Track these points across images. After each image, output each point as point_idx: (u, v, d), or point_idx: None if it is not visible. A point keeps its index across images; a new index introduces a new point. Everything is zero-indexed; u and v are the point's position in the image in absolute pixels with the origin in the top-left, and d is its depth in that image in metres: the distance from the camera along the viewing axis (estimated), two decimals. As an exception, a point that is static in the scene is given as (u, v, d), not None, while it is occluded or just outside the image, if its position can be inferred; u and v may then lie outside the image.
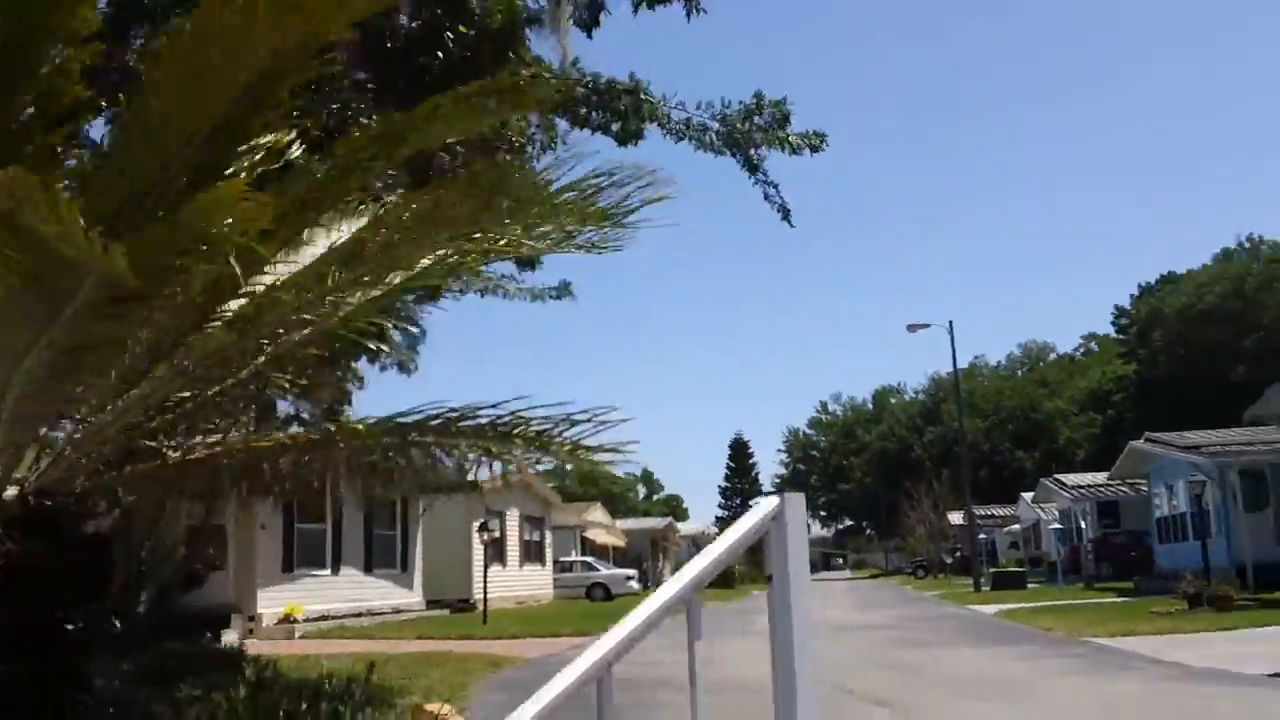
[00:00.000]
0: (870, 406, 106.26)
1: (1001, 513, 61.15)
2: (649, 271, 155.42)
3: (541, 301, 12.33)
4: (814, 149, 8.96)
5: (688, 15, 6.31)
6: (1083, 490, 39.61)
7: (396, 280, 4.86)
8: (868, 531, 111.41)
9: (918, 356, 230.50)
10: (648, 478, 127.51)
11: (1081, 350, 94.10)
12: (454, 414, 4.73)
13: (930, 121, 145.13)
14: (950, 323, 39.84)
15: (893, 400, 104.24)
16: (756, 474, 75.69)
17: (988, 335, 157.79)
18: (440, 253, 4.63)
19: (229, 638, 18.90)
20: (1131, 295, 77.06)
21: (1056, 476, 43.50)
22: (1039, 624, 18.14)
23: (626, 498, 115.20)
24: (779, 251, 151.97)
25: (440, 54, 6.95)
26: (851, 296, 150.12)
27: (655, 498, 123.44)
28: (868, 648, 15.83)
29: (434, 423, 4.77)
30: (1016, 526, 56.49)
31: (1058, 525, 38.20)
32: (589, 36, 6.66)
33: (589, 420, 4.51)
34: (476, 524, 24.27)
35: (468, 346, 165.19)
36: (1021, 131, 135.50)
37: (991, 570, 39.66)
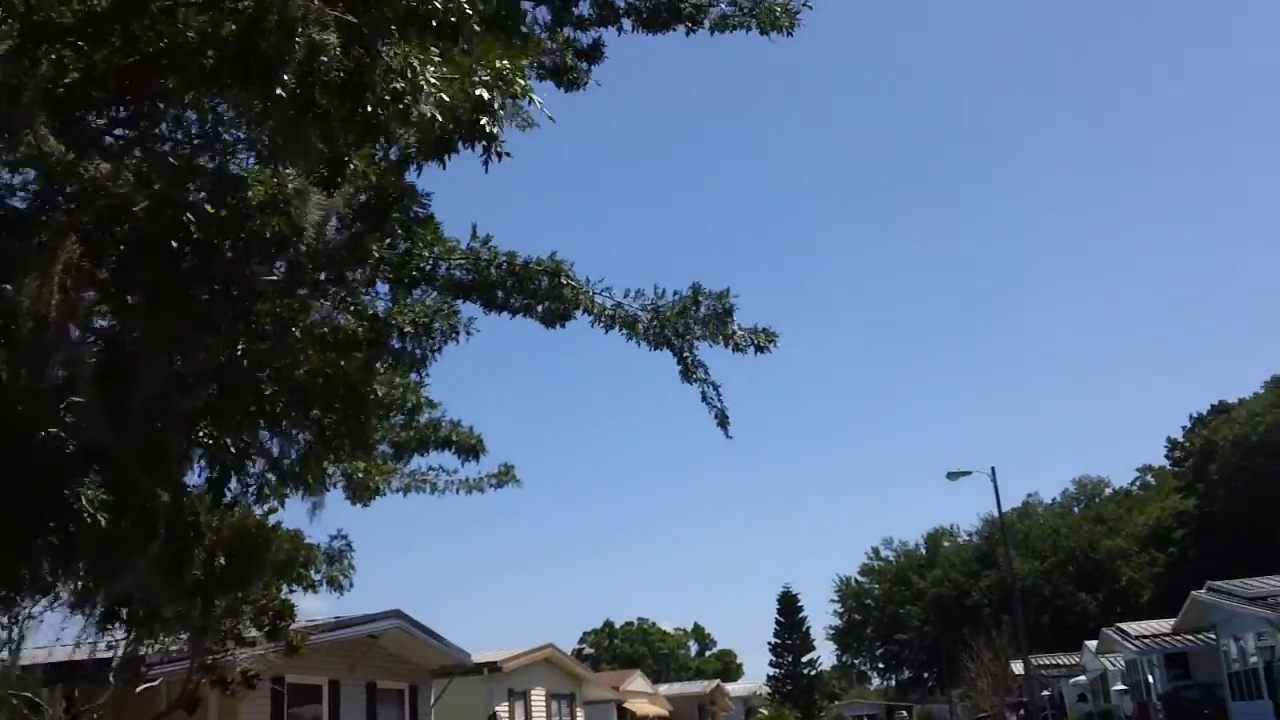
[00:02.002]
0: (923, 550, 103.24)
1: (1066, 661, 58.11)
2: (689, 424, 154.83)
3: (479, 491, 11.25)
4: (760, 349, 8.19)
5: (485, 165, 5.68)
6: (1147, 640, 37.41)
7: None
8: (930, 682, 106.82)
9: (969, 496, 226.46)
10: (699, 632, 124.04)
11: (1138, 484, 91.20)
12: None
13: (974, 257, 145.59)
14: (993, 469, 38.10)
15: (946, 544, 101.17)
16: (807, 628, 72.83)
17: (1039, 471, 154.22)
18: None
19: None
20: (1183, 427, 74.97)
21: (1120, 626, 41.21)
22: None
23: (678, 655, 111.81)
24: (818, 397, 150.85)
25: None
26: (898, 436, 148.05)
27: (707, 654, 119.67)
28: None
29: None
30: (1083, 677, 53.45)
31: (1123, 686, 35.92)
32: (329, 194, 5.98)
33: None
34: (487, 715, 22.80)
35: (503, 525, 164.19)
36: (1067, 263, 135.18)
37: (1057, 732, 37.13)
